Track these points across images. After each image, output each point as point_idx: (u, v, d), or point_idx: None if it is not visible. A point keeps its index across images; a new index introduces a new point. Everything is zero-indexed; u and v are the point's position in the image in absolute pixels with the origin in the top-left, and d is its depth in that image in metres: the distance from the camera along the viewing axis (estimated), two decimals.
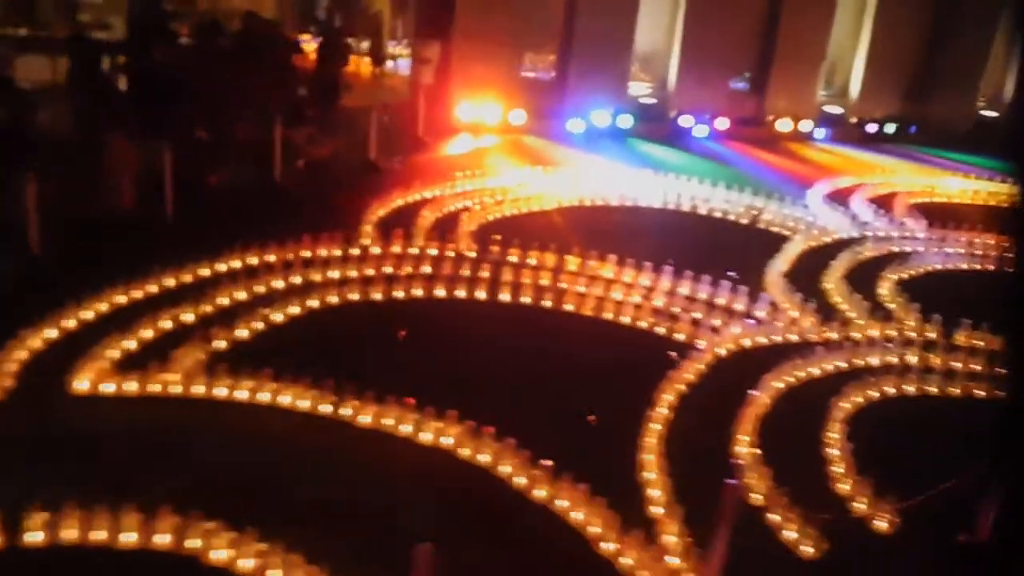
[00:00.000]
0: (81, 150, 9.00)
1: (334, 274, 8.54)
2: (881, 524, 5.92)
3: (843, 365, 8.01)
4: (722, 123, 16.66)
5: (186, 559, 4.84)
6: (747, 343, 8.30)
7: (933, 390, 7.79)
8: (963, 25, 17.38)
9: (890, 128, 17.60)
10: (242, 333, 7.27)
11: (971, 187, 14.59)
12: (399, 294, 8.39)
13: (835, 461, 6.52)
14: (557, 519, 5.57)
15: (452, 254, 9.40)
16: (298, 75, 12.20)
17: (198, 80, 9.63)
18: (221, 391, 6.37)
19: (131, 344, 6.82)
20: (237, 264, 8.43)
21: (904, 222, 12.28)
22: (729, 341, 8.24)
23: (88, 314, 7.18)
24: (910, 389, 7.75)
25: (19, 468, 5.43)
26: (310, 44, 15.49)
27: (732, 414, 6.87)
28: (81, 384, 6.23)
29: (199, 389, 6.36)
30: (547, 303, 8.63)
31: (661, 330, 8.36)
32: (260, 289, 8.03)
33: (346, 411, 6.28)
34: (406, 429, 6.20)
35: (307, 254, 8.81)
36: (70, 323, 7.01)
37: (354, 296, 8.22)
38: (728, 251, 10.76)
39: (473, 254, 9.48)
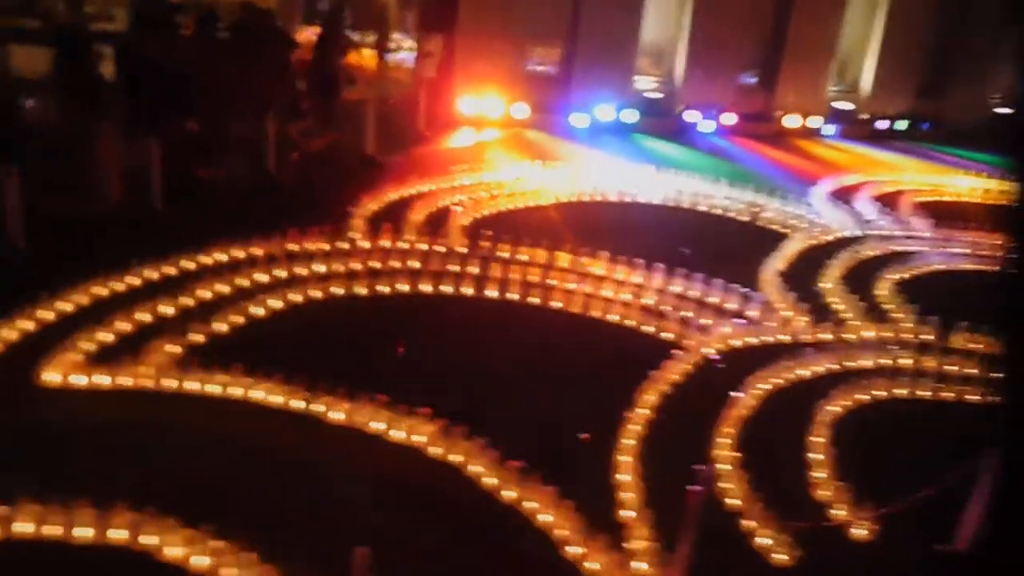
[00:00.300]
0: (68, 143, 8.98)
1: (320, 268, 8.48)
2: (860, 531, 5.78)
3: (834, 367, 7.86)
4: (729, 118, 16.42)
5: (140, 556, 4.80)
6: (737, 343, 8.15)
7: (925, 394, 7.61)
8: (977, 20, 17.00)
9: (902, 125, 17.28)
10: (221, 327, 7.22)
11: (981, 185, 14.28)
12: (384, 289, 8.32)
13: (817, 466, 6.38)
14: (525, 521, 5.49)
15: (442, 249, 9.30)
16: (294, 68, 12.12)
17: (192, 72, 9.57)
18: (193, 385, 6.33)
19: (107, 337, 6.80)
20: (222, 257, 8.38)
21: (909, 221, 12.03)
22: (718, 341, 8.10)
23: (66, 306, 7.16)
24: (901, 392, 7.58)
25: None
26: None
27: (715, 416, 6.75)
28: (51, 376, 6.20)
29: (171, 383, 6.31)
30: (535, 300, 8.52)
31: (649, 328, 8.23)
32: (243, 283, 7.99)
33: (318, 408, 6.22)
34: (378, 426, 6.13)
35: (293, 248, 8.74)
36: (47, 315, 6.99)
37: (338, 291, 8.15)
38: (726, 249, 10.59)
39: (464, 249, 9.38)
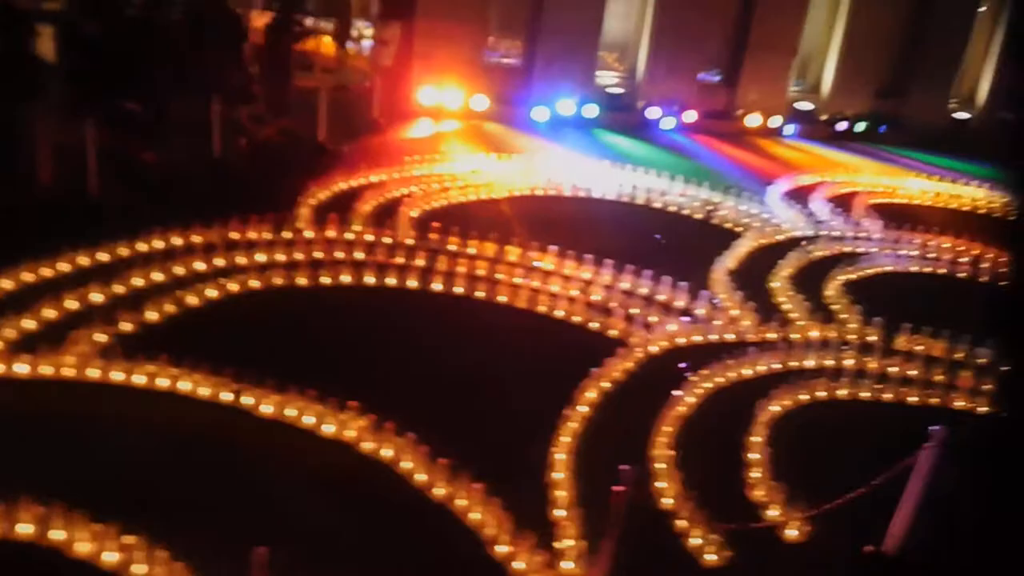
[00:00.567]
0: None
1: (261, 258, 8.29)
2: (791, 532, 5.76)
3: (777, 366, 7.84)
4: (690, 116, 16.43)
5: (49, 552, 4.62)
6: (681, 341, 8.12)
7: (865, 395, 7.63)
8: (938, 25, 17.18)
9: (860, 126, 17.41)
10: (152, 316, 7.01)
11: (933, 188, 14.43)
12: (326, 281, 8.15)
13: (754, 466, 6.35)
14: (455, 519, 5.39)
15: (389, 241, 9.15)
16: (245, 51, 11.85)
17: (135, 53, 9.29)
18: (118, 376, 6.13)
19: (30, 325, 6.57)
20: (159, 244, 8.16)
21: (860, 222, 12.10)
22: (663, 338, 8.05)
23: None
24: (842, 393, 7.60)
25: None
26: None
27: (655, 414, 6.70)
28: None
29: (94, 373, 6.11)
30: (480, 294, 8.41)
31: (595, 325, 8.16)
32: (179, 271, 7.78)
33: (247, 400, 6.06)
34: (308, 421, 5.99)
35: (235, 236, 8.54)
36: None
37: (278, 281, 7.97)
38: (678, 246, 10.58)
39: (411, 241, 9.24)
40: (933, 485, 5.36)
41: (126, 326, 6.76)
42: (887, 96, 17.64)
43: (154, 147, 9.78)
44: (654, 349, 7.84)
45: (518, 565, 5.05)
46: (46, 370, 6.06)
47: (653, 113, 16.29)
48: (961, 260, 11.02)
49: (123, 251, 7.95)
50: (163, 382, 6.12)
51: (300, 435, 5.92)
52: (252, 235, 8.63)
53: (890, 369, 8.03)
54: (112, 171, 9.13)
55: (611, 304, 8.50)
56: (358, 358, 7.01)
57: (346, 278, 8.24)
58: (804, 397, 7.39)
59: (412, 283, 8.39)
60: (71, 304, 6.93)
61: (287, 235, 8.82)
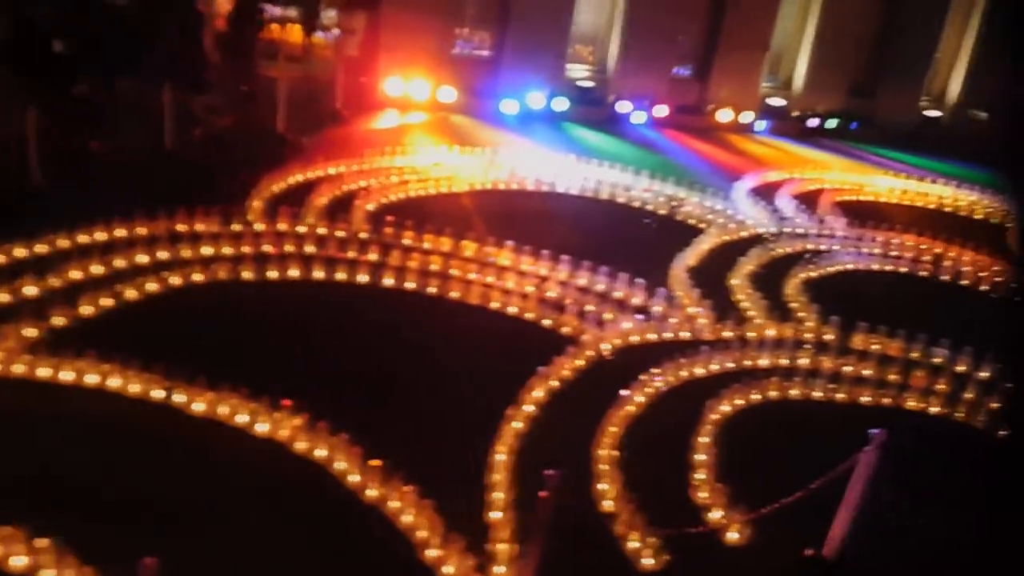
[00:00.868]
0: None
1: (206, 251, 8.09)
2: (733, 535, 5.67)
3: (730, 366, 7.75)
4: (660, 110, 16.31)
5: None
6: (634, 339, 8.00)
7: (818, 394, 7.55)
8: (910, 23, 17.14)
9: (831, 123, 17.36)
10: (87, 310, 6.81)
11: (900, 186, 14.39)
12: (272, 275, 7.97)
13: (700, 467, 6.25)
14: (387, 521, 5.25)
15: (341, 235, 8.97)
16: (203, 39, 11.59)
17: (82, 37, 9.04)
18: (45, 372, 5.94)
19: None
20: (100, 236, 7.94)
21: (824, 219, 12.04)
22: (616, 336, 7.93)
23: None
24: (795, 393, 7.51)
25: None
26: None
27: (601, 414, 6.58)
28: None
29: (20, 369, 5.92)
30: (432, 290, 8.26)
31: (547, 322, 8.03)
32: (120, 264, 7.57)
33: (179, 398, 5.88)
34: (241, 419, 5.82)
35: (181, 229, 8.34)
36: None
37: (223, 275, 7.78)
38: (638, 242, 10.48)
39: (364, 236, 9.07)
40: (872, 489, 5.28)
41: (58, 320, 6.55)
42: (859, 93, 17.59)
43: (101, 136, 9.52)
44: (606, 347, 7.73)
45: (448, 569, 4.92)
46: None
47: (623, 107, 16.16)
48: (923, 258, 10.99)
49: (63, 243, 7.72)
50: (92, 379, 5.92)
51: (232, 434, 5.75)
52: (199, 228, 8.44)
53: (845, 368, 7.96)
54: (55, 161, 8.87)
55: (565, 301, 8.36)
56: (298, 355, 6.85)
57: (293, 272, 8.06)
58: (756, 397, 7.30)
59: (362, 278, 8.22)
60: (2, 297, 6.71)
61: (236, 228, 8.62)
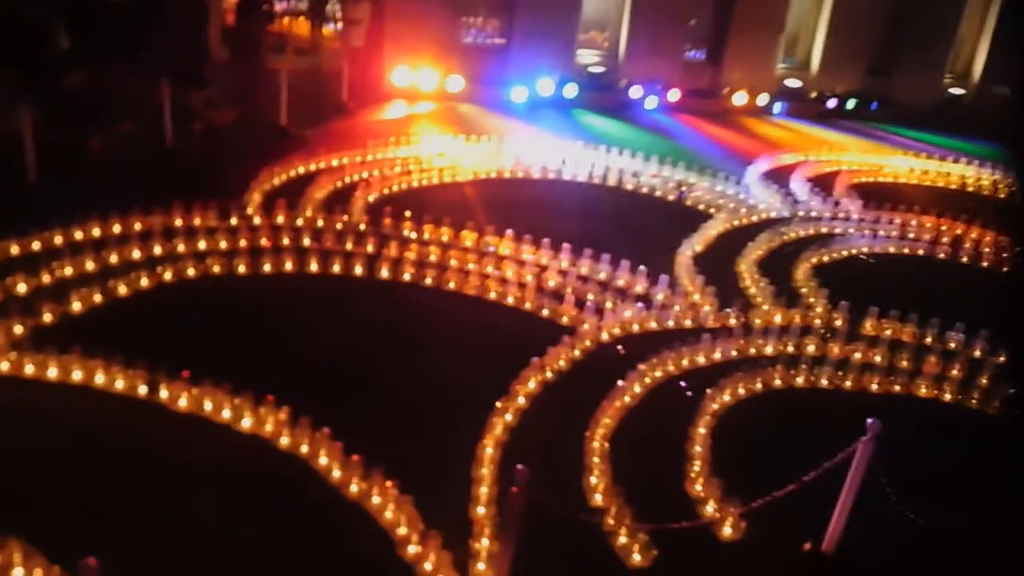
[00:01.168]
0: None
1: (201, 245, 8.02)
2: (727, 530, 5.48)
3: (733, 354, 7.53)
4: (674, 95, 16.02)
5: None
6: (635, 328, 7.81)
7: (824, 383, 7.31)
8: None
9: (850, 104, 16.95)
10: (75, 306, 6.77)
11: (920, 167, 14.00)
12: (266, 269, 7.89)
13: (695, 459, 6.06)
14: (368, 517, 5.14)
15: (339, 227, 8.86)
16: (207, 33, 11.53)
17: (78, 33, 9.01)
18: (30, 368, 5.90)
19: None
20: (94, 232, 7.91)
21: (840, 202, 11.72)
22: (615, 325, 7.74)
23: None
24: (800, 381, 7.28)
25: None
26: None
27: (595, 405, 6.41)
28: None
29: (3, 366, 5.88)
30: (429, 281, 8.12)
31: (545, 312, 7.86)
32: (112, 260, 7.53)
33: (163, 394, 5.81)
34: (225, 415, 5.74)
35: (176, 224, 8.28)
36: None
37: (216, 269, 7.71)
38: (645, 229, 10.26)
39: (363, 227, 8.96)
40: (871, 481, 5.07)
41: (46, 317, 6.51)
42: (878, 73, 17.16)
43: (99, 132, 9.49)
44: (604, 337, 7.55)
45: (427, 567, 4.79)
46: None
47: (635, 92, 15.90)
48: (941, 240, 10.65)
49: (56, 239, 7.69)
50: (77, 375, 5.87)
51: (214, 430, 5.67)
52: (195, 222, 8.38)
53: (853, 355, 7.71)
54: (52, 158, 8.86)
55: (565, 290, 8.19)
56: (288, 348, 6.74)
57: (288, 266, 7.97)
58: (758, 386, 7.09)
59: (358, 270, 8.11)
60: None
61: (232, 222, 8.55)
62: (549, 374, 6.81)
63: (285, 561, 4.83)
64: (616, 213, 10.75)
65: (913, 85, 17.17)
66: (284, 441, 5.55)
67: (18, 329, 6.30)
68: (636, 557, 5.12)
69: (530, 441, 5.95)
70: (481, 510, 5.23)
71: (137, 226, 8.10)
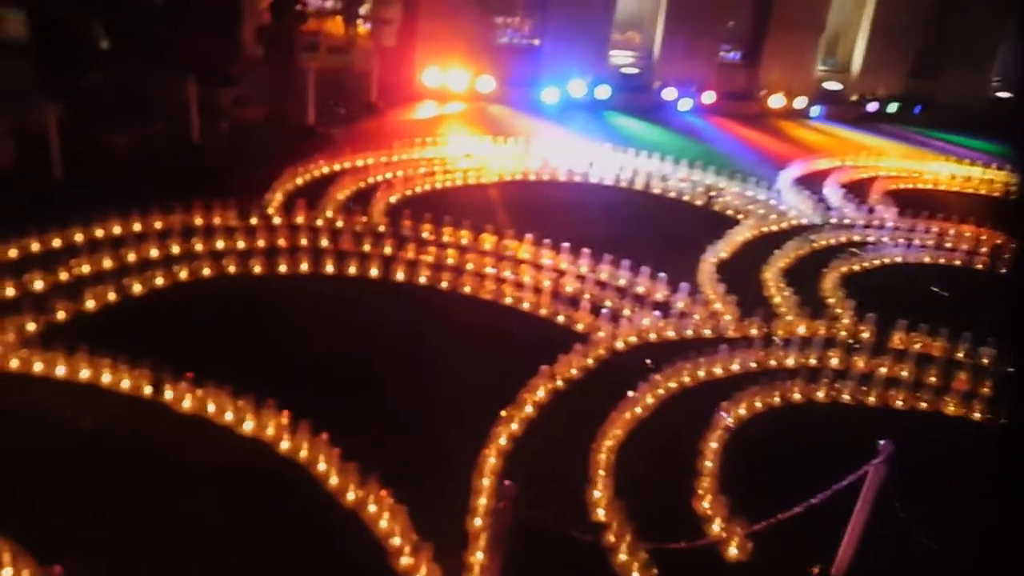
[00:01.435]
0: None
1: (219, 245, 8.05)
2: (734, 550, 5.31)
3: (753, 365, 7.33)
4: (708, 97, 15.75)
5: None
6: (652, 336, 7.64)
7: (846, 397, 7.07)
8: None
9: (892, 107, 16.50)
10: (88, 304, 6.82)
11: (963, 173, 13.56)
12: (282, 269, 7.88)
13: (705, 475, 5.88)
14: (363, 526, 5.08)
15: (358, 228, 8.84)
16: (233, 31, 11.58)
17: (108, 32, 9.12)
18: (39, 366, 5.95)
19: None
20: (115, 230, 7.98)
21: (874, 209, 11.38)
22: (631, 333, 7.59)
23: None
24: (820, 395, 7.05)
25: None
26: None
27: (605, 416, 6.26)
28: None
29: (15, 364, 5.94)
30: (444, 284, 8.05)
31: (561, 318, 7.73)
32: (130, 257, 7.58)
33: (167, 395, 5.81)
34: (227, 418, 5.72)
35: (196, 222, 8.32)
36: None
37: (231, 269, 7.73)
38: (671, 234, 10.07)
39: (382, 229, 8.92)
40: (883, 503, 4.86)
41: (59, 315, 6.57)
42: (922, 75, 16.68)
43: (125, 130, 9.59)
44: (619, 345, 7.40)
45: None
46: None
47: (669, 94, 15.66)
48: (980, 250, 10.28)
49: (76, 236, 7.77)
50: (85, 374, 5.90)
51: (215, 432, 5.65)
52: (215, 221, 8.41)
53: (879, 369, 7.46)
54: (77, 154, 8.96)
55: (583, 296, 8.05)
56: (300, 350, 6.71)
57: (304, 267, 7.95)
58: (776, 400, 6.88)
59: (374, 272, 8.07)
60: (9, 291, 6.77)
61: (251, 221, 8.57)
62: (559, 383, 6.69)
63: (279, 566, 4.79)
64: (641, 217, 10.58)
65: (958, 88, 16.66)
66: (284, 445, 5.51)
67: (31, 326, 6.36)
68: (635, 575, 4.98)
69: (535, 452, 5.84)
70: (479, 522, 5.13)
71: (157, 224, 8.15)
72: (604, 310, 7.74)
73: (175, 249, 7.84)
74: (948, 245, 10.41)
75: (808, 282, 8.97)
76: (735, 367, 7.24)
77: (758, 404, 6.77)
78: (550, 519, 4.52)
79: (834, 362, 7.50)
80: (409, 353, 6.93)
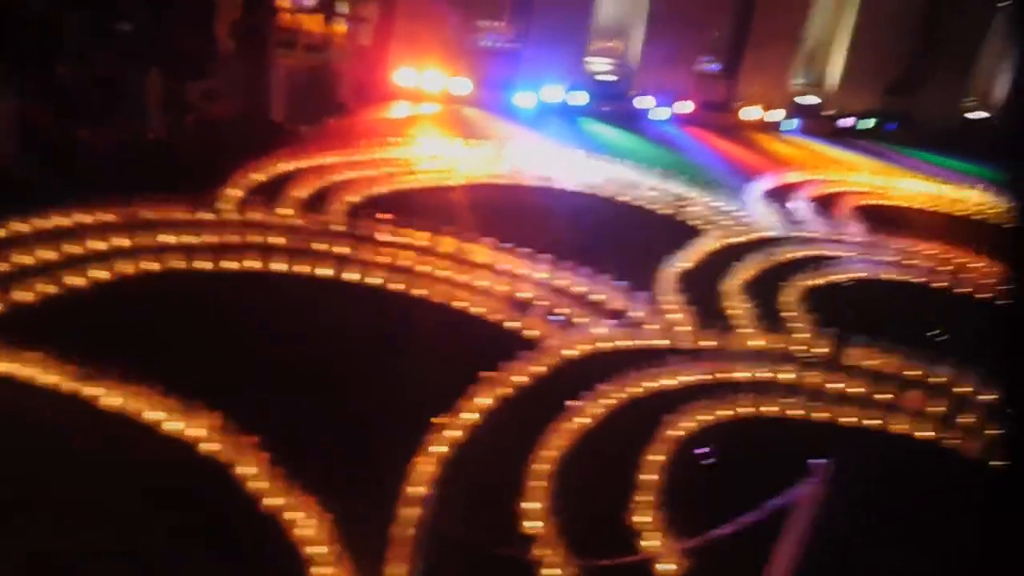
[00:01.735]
0: None
1: (168, 240, 7.89)
2: (666, 567, 5.20)
3: (705, 378, 7.24)
4: (685, 107, 15.69)
5: None
6: (605, 345, 7.55)
7: (797, 412, 6.99)
8: (955, 17, 16.17)
9: (868, 123, 16.49)
10: (25, 297, 6.65)
11: (933, 191, 13.55)
12: (230, 266, 7.73)
13: (645, 489, 5.78)
14: (281, 532, 4.94)
15: (314, 227, 8.70)
16: (204, 24, 11.38)
17: (77, 23, 8.93)
18: None
19: None
20: (63, 222, 7.81)
21: (840, 224, 11.33)
22: (584, 342, 7.49)
23: None
24: (771, 409, 6.97)
25: None
26: None
27: (548, 426, 6.16)
28: None
29: None
30: (396, 286, 7.92)
31: (512, 324, 7.62)
32: (74, 250, 7.41)
33: (92, 391, 5.66)
34: (153, 416, 5.57)
35: (149, 216, 8.16)
36: None
37: (177, 264, 7.57)
38: (634, 242, 9.98)
39: (338, 228, 8.78)
40: (818, 523, 4.77)
41: None
42: (898, 92, 16.69)
43: (91, 123, 9.40)
44: (573, 353, 7.30)
45: None
46: None
47: (645, 103, 15.59)
48: (942, 268, 10.26)
49: (21, 228, 7.59)
50: (6, 367, 5.74)
51: (140, 431, 5.51)
52: (168, 215, 8.25)
53: (831, 385, 7.39)
54: (39, 148, 8.78)
55: (538, 302, 7.95)
56: (239, 350, 6.56)
57: (254, 264, 7.81)
58: (726, 413, 6.79)
59: (325, 272, 7.93)
60: None
61: (204, 216, 8.42)
62: (504, 390, 6.58)
63: (195, 571, 4.66)
64: (607, 225, 10.49)
65: (935, 106, 16.67)
66: (210, 447, 5.37)
67: None
68: None
69: (469, 461, 5.73)
70: (408, 532, 5.01)
71: (107, 218, 7.99)
72: (557, 318, 7.64)
73: (123, 243, 7.67)
74: (911, 262, 10.37)
75: (768, 295, 8.90)
76: (687, 379, 7.16)
77: (708, 418, 6.69)
78: (468, 533, 4.42)
79: (788, 376, 7.43)
80: (353, 356, 6.79)
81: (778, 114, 16.25)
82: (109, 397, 5.62)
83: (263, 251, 7.97)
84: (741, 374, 7.35)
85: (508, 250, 8.69)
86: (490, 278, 8.24)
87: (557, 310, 7.88)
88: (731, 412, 6.78)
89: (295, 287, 7.69)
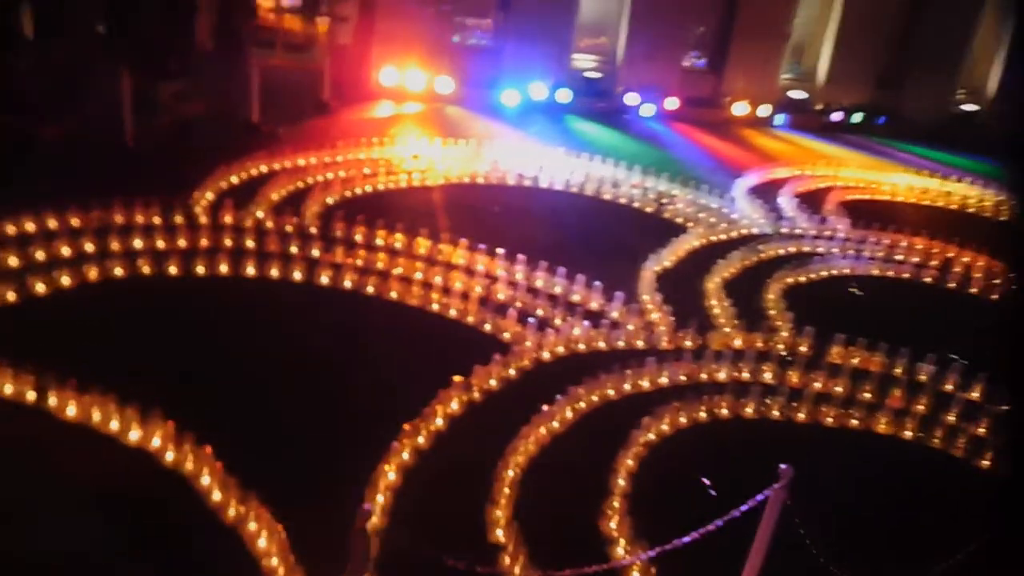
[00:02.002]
0: None
1: (136, 244, 7.74)
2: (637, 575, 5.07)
3: (682, 379, 7.10)
4: (671, 103, 15.53)
5: None
6: (581, 347, 7.41)
7: (775, 413, 6.85)
8: (944, 9, 16.00)
9: (857, 117, 16.34)
10: None
11: (921, 185, 13.40)
12: (199, 271, 7.59)
13: (616, 494, 5.64)
14: (240, 544, 4.81)
15: (288, 230, 8.56)
16: (181, 23, 11.22)
17: (42, 14, 8.77)
18: None
19: None
20: (28, 226, 7.66)
21: (827, 220, 11.17)
22: (559, 343, 7.34)
23: None
24: (748, 411, 6.82)
25: None
26: None
27: (517, 431, 6.01)
28: None
29: None
30: (370, 289, 7.78)
31: (487, 327, 7.48)
32: (38, 255, 7.26)
33: (50, 401, 5.52)
34: (112, 427, 5.43)
35: (117, 220, 8.01)
36: None
37: (145, 270, 7.43)
38: (615, 241, 9.83)
39: (312, 231, 8.64)
40: (786, 527, 4.64)
41: None
42: (887, 86, 16.53)
43: (53, 119, 9.24)
44: (546, 355, 7.16)
45: None
46: None
47: (631, 100, 15.44)
48: (930, 263, 10.11)
49: None
50: None
51: (99, 441, 5.37)
52: (137, 219, 8.10)
53: (812, 385, 7.25)
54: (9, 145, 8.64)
55: (513, 304, 7.81)
56: (207, 355, 6.43)
57: (224, 268, 7.67)
58: (702, 415, 6.66)
59: (297, 276, 7.79)
60: None
61: (177, 220, 8.27)
62: (475, 394, 6.44)
63: None
64: (588, 223, 10.34)
65: (924, 100, 16.49)
66: (168, 457, 5.23)
67: None
68: None
69: (437, 468, 5.59)
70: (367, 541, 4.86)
71: (73, 221, 7.84)
72: (532, 319, 7.49)
73: (89, 247, 7.52)
74: (898, 258, 10.22)
75: (750, 294, 8.76)
76: (663, 380, 7.02)
77: (682, 419, 6.55)
78: (425, 543, 4.28)
79: (767, 376, 7.29)
80: (323, 361, 6.65)
81: (766, 109, 16.09)
82: (66, 406, 5.47)
83: (234, 255, 7.82)
84: (719, 375, 7.22)
85: (484, 251, 8.54)
86: (465, 279, 8.09)
87: (533, 312, 7.74)
88: (706, 415, 6.66)
89: (267, 291, 7.55)
